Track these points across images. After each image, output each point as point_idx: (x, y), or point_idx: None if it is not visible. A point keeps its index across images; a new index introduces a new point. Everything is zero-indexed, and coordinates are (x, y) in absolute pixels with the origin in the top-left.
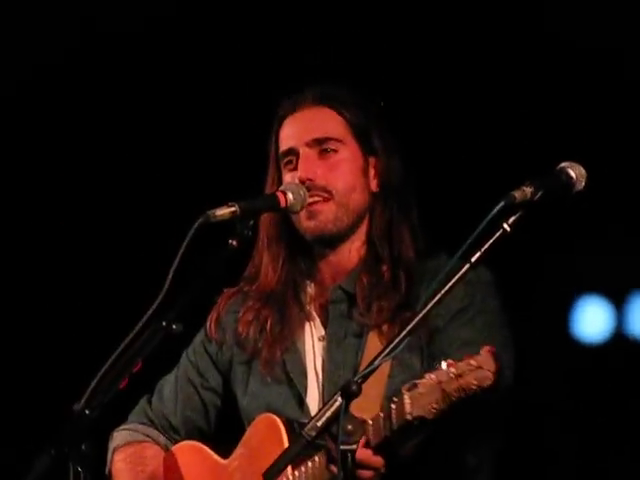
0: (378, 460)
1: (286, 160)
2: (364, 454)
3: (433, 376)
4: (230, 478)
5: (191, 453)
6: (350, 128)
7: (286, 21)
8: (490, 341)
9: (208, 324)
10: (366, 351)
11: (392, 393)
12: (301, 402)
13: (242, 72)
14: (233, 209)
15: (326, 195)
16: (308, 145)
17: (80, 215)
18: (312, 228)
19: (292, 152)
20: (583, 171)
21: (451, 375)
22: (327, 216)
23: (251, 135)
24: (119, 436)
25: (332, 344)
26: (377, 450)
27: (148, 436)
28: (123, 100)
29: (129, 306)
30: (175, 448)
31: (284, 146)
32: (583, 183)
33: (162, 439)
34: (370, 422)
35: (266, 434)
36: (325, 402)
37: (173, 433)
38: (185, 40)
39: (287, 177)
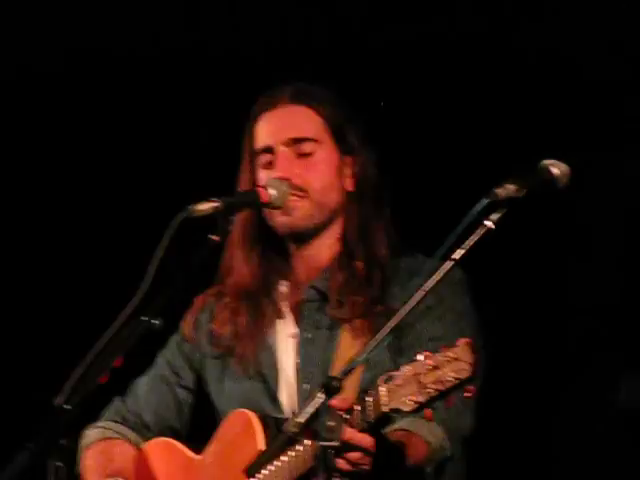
0: (367, 440)
1: (262, 157)
2: (350, 433)
3: (409, 367)
4: (204, 474)
5: (163, 449)
6: (327, 127)
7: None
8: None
9: (184, 324)
10: (339, 347)
11: (365, 387)
12: (274, 398)
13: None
14: (215, 204)
15: (302, 194)
16: (285, 144)
17: (60, 211)
18: (285, 223)
19: (268, 150)
20: (566, 168)
21: (428, 367)
22: (301, 212)
23: (225, 135)
24: (90, 434)
25: (305, 341)
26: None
27: (120, 434)
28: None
29: (110, 301)
30: (147, 445)
31: (260, 143)
32: (566, 181)
33: (134, 437)
34: (346, 416)
35: (240, 429)
36: (306, 398)
37: (146, 431)
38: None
39: (261, 174)
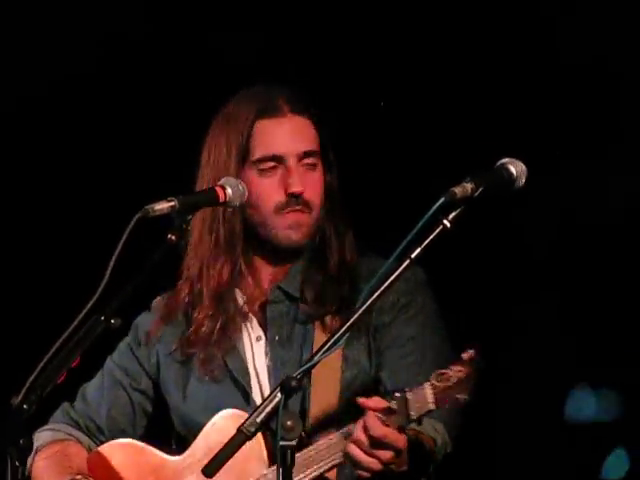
0: (401, 439)
1: (267, 164)
2: (386, 431)
3: (460, 367)
4: (182, 475)
5: (127, 452)
6: (320, 141)
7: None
8: (432, 339)
9: (143, 328)
10: (314, 346)
11: (347, 386)
12: (248, 401)
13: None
14: (172, 203)
15: (307, 210)
16: (298, 157)
17: (17, 210)
18: (292, 238)
19: (278, 159)
20: (524, 167)
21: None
22: (307, 228)
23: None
24: (41, 436)
25: (275, 344)
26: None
27: (71, 435)
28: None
29: (68, 300)
30: (104, 448)
31: (269, 151)
32: (524, 180)
33: (85, 440)
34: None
35: (233, 429)
36: (265, 398)
37: (98, 434)
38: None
39: (265, 181)
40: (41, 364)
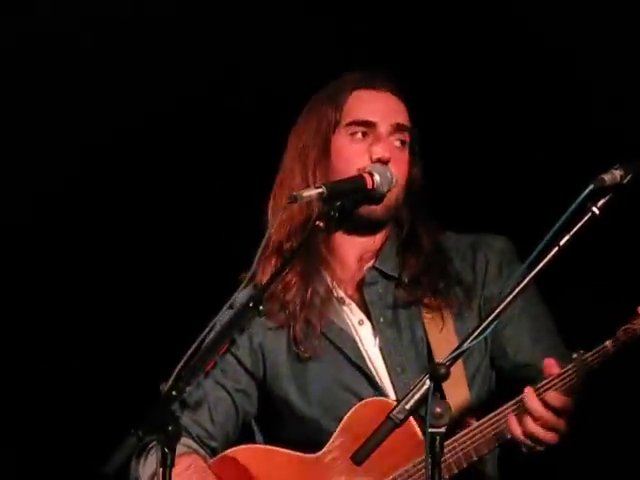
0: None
1: (358, 129)
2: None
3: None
4: (329, 470)
5: (257, 455)
6: (411, 125)
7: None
8: (539, 308)
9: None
10: (427, 327)
11: (466, 361)
12: (376, 386)
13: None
14: (320, 190)
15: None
16: (392, 126)
17: (166, 196)
18: (375, 209)
19: (370, 125)
20: None
21: None
22: (388, 201)
23: None
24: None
25: (382, 326)
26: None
27: (189, 447)
28: None
29: (217, 288)
30: (230, 454)
31: (364, 115)
32: None
33: (201, 451)
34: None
35: (378, 417)
36: (406, 383)
37: (209, 441)
38: None
39: (354, 147)
40: (190, 351)
